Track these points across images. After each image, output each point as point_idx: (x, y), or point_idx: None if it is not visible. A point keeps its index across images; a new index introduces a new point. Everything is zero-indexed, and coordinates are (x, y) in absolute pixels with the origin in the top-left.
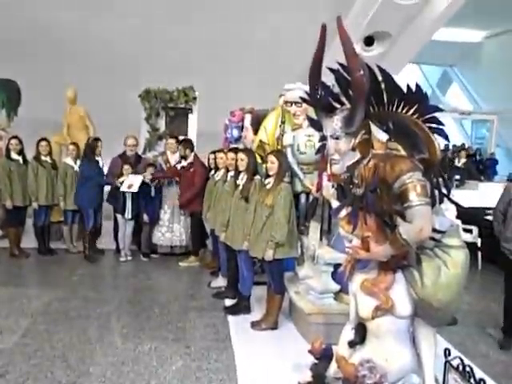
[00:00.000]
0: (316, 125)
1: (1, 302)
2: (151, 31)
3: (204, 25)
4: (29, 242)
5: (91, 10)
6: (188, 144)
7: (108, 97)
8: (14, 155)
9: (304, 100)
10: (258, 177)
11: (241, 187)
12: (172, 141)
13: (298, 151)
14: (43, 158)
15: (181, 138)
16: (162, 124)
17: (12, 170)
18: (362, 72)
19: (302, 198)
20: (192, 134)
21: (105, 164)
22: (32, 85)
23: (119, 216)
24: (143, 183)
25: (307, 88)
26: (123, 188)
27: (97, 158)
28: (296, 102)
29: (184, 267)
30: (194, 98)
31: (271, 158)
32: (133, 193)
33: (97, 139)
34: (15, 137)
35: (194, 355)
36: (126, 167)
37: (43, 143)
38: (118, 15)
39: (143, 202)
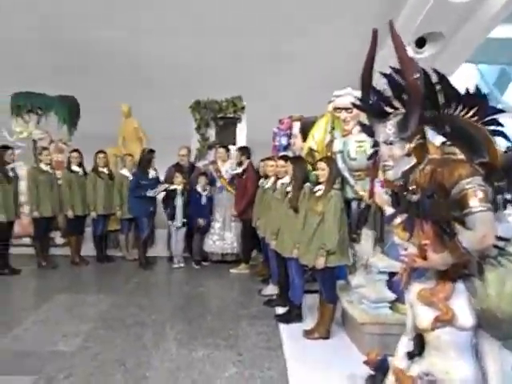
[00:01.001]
0: (368, 130)
1: (64, 308)
2: (202, 44)
3: (253, 36)
4: (88, 250)
5: (142, 27)
6: (245, 151)
7: (160, 109)
8: (74, 167)
9: (355, 105)
10: (307, 184)
11: (289, 196)
12: (222, 150)
13: (348, 157)
14: (101, 169)
15: (236, 146)
16: (211, 134)
17: (73, 181)
18: (417, 75)
19: (354, 204)
20: (241, 143)
21: (158, 174)
22: (88, 100)
23: (171, 224)
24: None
25: (357, 93)
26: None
27: (150, 169)
28: (346, 108)
29: (235, 274)
30: (243, 108)
31: (321, 164)
32: (184, 201)
33: (152, 151)
34: (76, 150)
35: (246, 363)
36: (177, 175)
37: (101, 155)
38: (168, 30)
39: (194, 210)
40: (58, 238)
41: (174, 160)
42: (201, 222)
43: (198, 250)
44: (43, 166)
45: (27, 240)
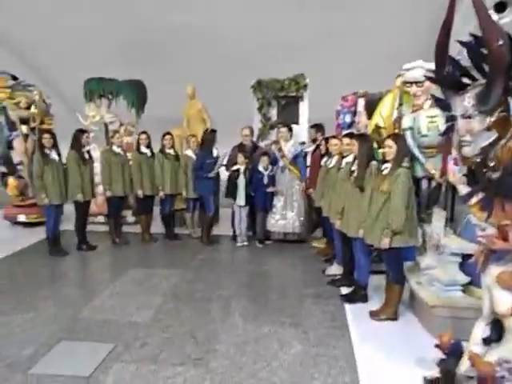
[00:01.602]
0: (442, 104)
1: (136, 282)
2: (264, 23)
3: (316, 12)
4: (156, 227)
5: (205, 10)
6: (319, 128)
7: (222, 90)
8: (143, 149)
9: (428, 78)
10: (374, 162)
11: (355, 175)
12: (284, 129)
13: (418, 134)
14: (167, 150)
15: (299, 125)
16: (273, 113)
17: (142, 162)
18: (501, 42)
19: (424, 183)
20: (303, 122)
21: (219, 154)
22: (154, 84)
23: (234, 203)
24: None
25: (429, 66)
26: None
27: (213, 149)
28: (416, 82)
29: (316, 248)
30: (305, 86)
31: (388, 142)
32: (246, 180)
33: (213, 130)
34: (144, 132)
35: (312, 341)
36: (239, 156)
37: (167, 137)
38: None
39: (256, 189)
40: (129, 216)
41: (237, 141)
42: (271, 189)
43: (260, 229)
44: (115, 148)
45: (101, 218)
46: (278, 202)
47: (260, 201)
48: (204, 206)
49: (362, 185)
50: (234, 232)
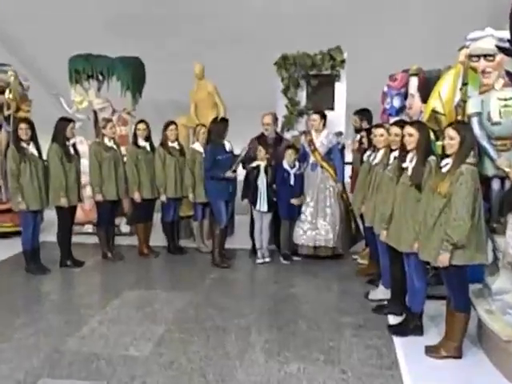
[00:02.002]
0: None
1: (133, 307)
2: None
3: None
4: (157, 239)
5: None
6: (365, 115)
7: (239, 69)
8: (141, 142)
9: (501, 49)
10: (432, 157)
11: (410, 171)
12: (316, 117)
13: (488, 121)
14: (171, 143)
15: (336, 111)
16: (302, 96)
17: (139, 158)
18: None
19: (495, 184)
20: (340, 107)
21: (233, 148)
22: (154, 62)
23: (254, 209)
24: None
25: (502, 34)
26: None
27: (224, 142)
28: (486, 55)
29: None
30: (342, 62)
31: (450, 132)
32: (267, 180)
33: (224, 119)
34: (142, 121)
35: (352, 383)
36: (260, 149)
37: (171, 127)
38: None
39: (281, 191)
40: (123, 225)
41: (257, 132)
42: (295, 201)
43: (286, 242)
44: (107, 141)
45: (90, 227)
46: (308, 208)
47: (285, 206)
48: (214, 215)
49: (420, 183)
50: (254, 245)
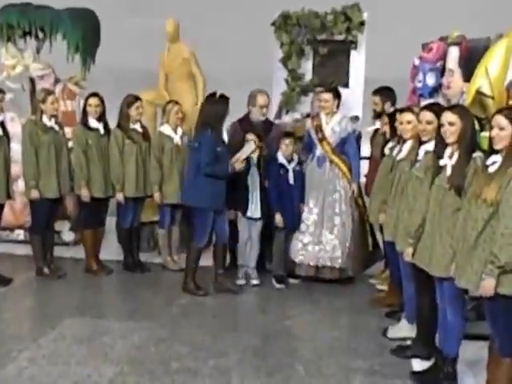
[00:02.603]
0: None
1: (75, 340)
2: None
3: None
4: (111, 251)
5: None
6: (388, 95)
7: (225, 30)
8: (92, 122)
9: None
10: (478, 154)
11: (449, 171)
12: (328, 96)
13: None
14: (132, 125)
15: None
16: (307, 68)
17: (90, 143)
18: None
19: None
20: (357, 84)
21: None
22: (113, 17)
23: (239, 216)
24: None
25: None
26: (237, 166)
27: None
28: None
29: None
30: (361, 24)
31: (500, 120)
32: (260, 180)
33: (224, 97)
34: (95, 94)
35: None
36: (248, 138)
37: (137, 104)
38: None
39: (275, 193)
40: (66, 232)
41: (244, 112)
42: (302, 207)
43: (280, 259)
44: (46, 120)
45: (21, 234)
46: (310, 216)
47: (281, 212)
48: (195, 227)
49: (462, 185)
50: (235, 262)
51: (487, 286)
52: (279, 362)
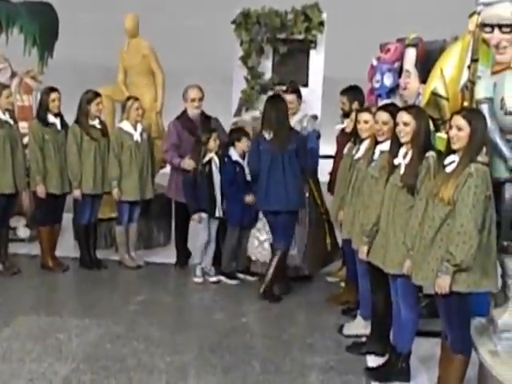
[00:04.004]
0: None
1: (29, 338)
2: None
3: None
4: (67, 248)
5: None
6: (356, 95)
7: (185, 27)
8: (49, 117)
9: None
10: (432, 153)
11: (402, 170)
12: (292, 98)
13: (501, 110)
14: (91, 121)
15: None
16: (267, 67)
17: (47, 139)
18: None
19: (508, 191)
20: (316, 83)
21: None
22: (72, 11)
23: (201, 216)
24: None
25: None
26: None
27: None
28: (502, 25)
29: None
30: (321, 24)
31: (458, 120)
32: (221, 179)
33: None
34: (52, 89)
35: None
36: (207, 136)
37: (97, 100)
38: None
39: (230, 190)
40: (21, 228)
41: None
42: (249, 199)
43: (231, 257)
44: (1, 114)
45: None
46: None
47: (237, 209)
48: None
49: (414, 184)
50: (180, 257)
51: (442, 284)
52: (236, 358)
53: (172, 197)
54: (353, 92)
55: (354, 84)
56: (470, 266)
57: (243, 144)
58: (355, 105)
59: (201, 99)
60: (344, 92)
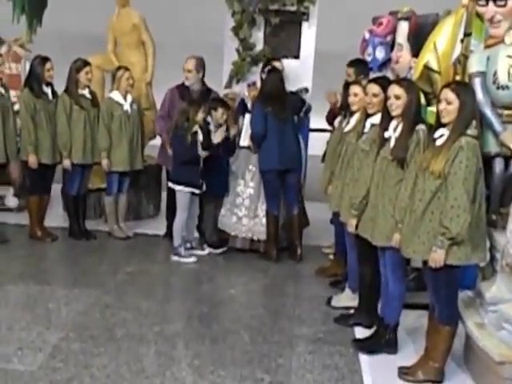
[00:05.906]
0: None
1: (18, 306)
2: None
3: None
4: (56, 218)
5: None
6: (360, 67)
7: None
8: (44, 86)
9: None
10: (422, 126)
11: (392, 143)
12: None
13: (494, 84)
14: (80, 91)
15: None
16: (259, 38)
17: (38, 109)
18: None
19: (498, 164)
20: (307, 55)
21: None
22: None
23: (186, 191)
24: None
25: None
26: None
27: None
28: None
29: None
30: None
31: (447, 94)
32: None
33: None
34: (47, 58)
35: None
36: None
37: (87, 69)
38: None
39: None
40: (10, 197)
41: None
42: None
43: (213, 227)
44: None
45: None
46: (246, 189)
47: (212, 180)
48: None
49: (404, 157)
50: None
51: (437, 258)
52: (224, 328)
53: (163, 164)
54: (361, 65)
55: (359, 57)
56: (462, 239)
57: (218, 114)
58: (361, 77)
59: (189, 71)
60: (352, 64)
